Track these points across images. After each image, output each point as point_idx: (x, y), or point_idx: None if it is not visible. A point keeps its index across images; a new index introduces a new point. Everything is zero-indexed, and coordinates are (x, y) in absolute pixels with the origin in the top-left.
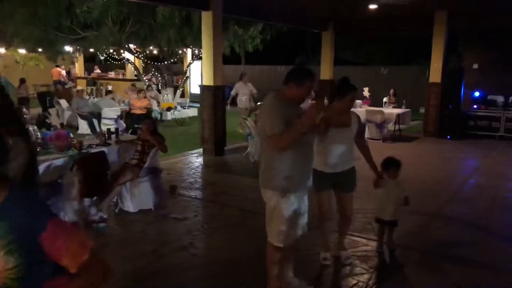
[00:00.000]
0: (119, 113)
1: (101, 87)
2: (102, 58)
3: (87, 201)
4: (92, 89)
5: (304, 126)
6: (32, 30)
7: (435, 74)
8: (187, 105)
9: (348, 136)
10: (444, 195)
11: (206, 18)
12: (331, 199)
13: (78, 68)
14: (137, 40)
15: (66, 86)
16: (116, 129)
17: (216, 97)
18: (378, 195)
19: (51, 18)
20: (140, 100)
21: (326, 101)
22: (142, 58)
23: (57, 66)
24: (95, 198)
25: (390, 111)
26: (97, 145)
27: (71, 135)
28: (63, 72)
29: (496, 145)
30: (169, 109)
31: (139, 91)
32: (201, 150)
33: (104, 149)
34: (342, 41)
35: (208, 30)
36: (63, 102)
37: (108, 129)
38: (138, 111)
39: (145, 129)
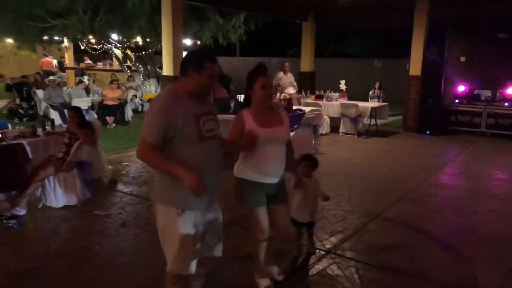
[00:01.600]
0: (89, 104)
1: (89, 78)
2: (82, 48)
3: (1, 195)
4: (79, 80)
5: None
6: (1, 19)
7: (415, 66)
8: None
9: (283, 137)
10: (396, 194)
11: (166, 5)
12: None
13: (68, 58)
14: (111, 29)
15: (54, 77)
16: (52, 120)
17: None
18: (295, 196)
19: (21, 6)
20: (113, 90)
21: (299, 95)
22: (120, 48)
23: (45, 55)
24: (13, 192)
25: (365, 104)
26: (23, 136)
27: (9, 126)
28: (54, 62)
29: (475, 141)
30: (151, 100)
31: (112, 81)
32: None
33: (24, 141)
34: (340, 33)
35: (167, 17)
36: (40, 93)
37: (52, 120)
38: (111, 102)
39: (70, 120)
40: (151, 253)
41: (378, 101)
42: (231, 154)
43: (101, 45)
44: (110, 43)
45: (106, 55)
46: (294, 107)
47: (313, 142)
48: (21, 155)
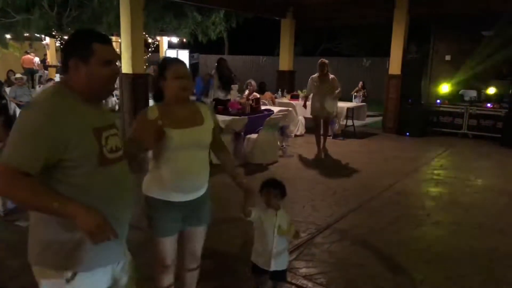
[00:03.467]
0: None
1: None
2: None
3: None
4: (48, 78)
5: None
6: None
7: (394, 65)
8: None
9: (202, 139)
10: (354, 202)
11: None
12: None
13: (50, 56)
14: (80, 25)
15: (38, 75)
16: None
17: (136, 86)
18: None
19: None
20: None
21: (273, 95)
22: None
23: (27, 53)
24: None
25: (341, 105)
26: None
27: None
28: (36, 60)
29: (455, 144)
30: None
31: None
32: None
33: None
34: (332, 31)
35: (126, 10)
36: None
37: None
38: None
39: None
40: None
41: (359, 101)
42: (135, 157)
43: None
44: None
45: None
46: (263, 107)
47: (279, 144)
48: None
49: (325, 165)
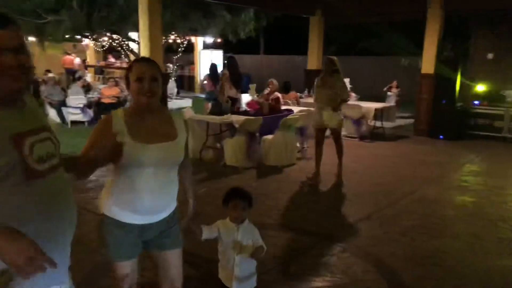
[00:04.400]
0: (84, 102)
1: (108, 76)
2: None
3: None
4: (99, 77)
5: None
6: None
7: (427, 63)
8: (173, 95)
9: (173, 157)
10: (366, 210)
11: None
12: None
13: (89, 57)
14: (108, 24)
15: (78, 75)
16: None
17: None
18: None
19: (11, 1)
20: (110, 88)
21: (297, 94)
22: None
23: (67, 53)
24: None
25: (369, 105)
26: None
27: None
28: (77, 60)
29: (492, 148)
30: None
31: (109, 79)
32: None
33: None
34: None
35: (144, 8)
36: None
37: None
38: (108, 100)
39: None
40: None
41: (393, 101)
42: (85, 175)
43: (115, 42)
44: (128, 39)
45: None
46: (285, 107)
47: (299, 146)
48: None
49: (344, 168)
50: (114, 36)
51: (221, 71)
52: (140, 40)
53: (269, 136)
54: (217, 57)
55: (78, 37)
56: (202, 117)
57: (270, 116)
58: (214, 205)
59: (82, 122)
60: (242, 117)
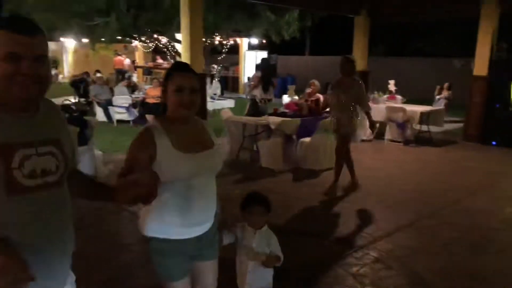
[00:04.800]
0: (130, 102)
1: (155, 77)
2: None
3: None
4: (146, 78)
5: None
6: (46, 16)
7: (480, 65)
8: (217, 96)
9: (215, 166)
10: (404, 219)
11: None
12: None
13: (138, 58)
14: (154, 26)
15: (127, 75)
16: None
17: None
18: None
19: (62, 2)
20: (155, 89)
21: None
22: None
23: (118, 54)
24: None
25: (414, 108)
26: None
27: None
28: (127, 61)
29: None
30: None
31: (153, 79)
32: None
33: None
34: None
35: (185, 9)
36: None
37: None
38: (152, 100)
39: None
40: None
41: (442, 104)
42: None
43: (161, 43)
44: (174, 41)
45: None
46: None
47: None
48: None
49: (385, 173)
50: (160, 37)
51: (254, 73)
52: (182, 40)
53: (307, 139)
54: (261, 58)
55: (127, 38)
56: (239, 118)
57: (309, 118)
58: None
59: (127, 121)
60: (279, 119)
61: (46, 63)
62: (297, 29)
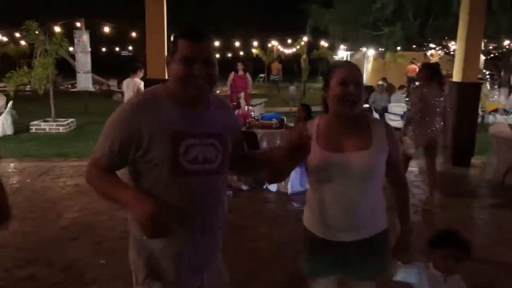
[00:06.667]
0: (404, 110)
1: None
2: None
3: None
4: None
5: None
6: (338, 28)
7: None
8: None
9: (360, 168)
10: None
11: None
12: None
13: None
14: (442, 33)
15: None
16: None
17: (462, 97)
18: None
19: (356, 15)
20: None
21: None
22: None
23: (412, 62)
24: None
25: None
26: (270, 127)
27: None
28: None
29: None
30: (495, 111)
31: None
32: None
33: (260, 131)
34: None
35: (464, 13)
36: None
37: None
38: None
39: (297, 115)
40: None
41: None
42: (279, 171)
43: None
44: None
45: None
46: None
47: None
48: (251, 142)
49: None
50: (449, 44)
51: None
52: (457, 47)
53: None
54: None
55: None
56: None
57: None
58: None
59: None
60: None
61: (212, 64)
62: None
